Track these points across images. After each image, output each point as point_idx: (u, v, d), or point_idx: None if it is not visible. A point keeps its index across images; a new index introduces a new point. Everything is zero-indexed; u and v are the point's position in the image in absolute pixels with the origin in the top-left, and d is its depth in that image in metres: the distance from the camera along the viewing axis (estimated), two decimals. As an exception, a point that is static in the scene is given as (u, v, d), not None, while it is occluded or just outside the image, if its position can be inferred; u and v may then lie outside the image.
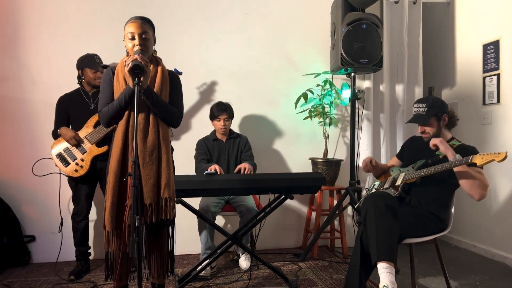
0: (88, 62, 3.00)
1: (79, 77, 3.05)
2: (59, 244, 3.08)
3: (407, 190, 2.46)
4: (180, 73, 3.22)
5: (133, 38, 2.03)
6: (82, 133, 2.92)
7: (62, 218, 3.03)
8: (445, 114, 2.45)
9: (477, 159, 2.05)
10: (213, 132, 3.31)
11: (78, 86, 3.08)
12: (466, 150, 2.32)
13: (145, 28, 2.05)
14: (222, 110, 3.19)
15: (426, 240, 2.31)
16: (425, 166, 2.40)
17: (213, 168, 2.87)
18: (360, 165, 2.85)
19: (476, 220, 3.65)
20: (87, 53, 3.07)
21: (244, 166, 2.98)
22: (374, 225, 2.16)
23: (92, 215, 3.21)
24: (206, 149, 3.24)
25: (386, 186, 2.56)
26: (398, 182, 2.46)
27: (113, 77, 2.09)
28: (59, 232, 3.02)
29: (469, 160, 2.07)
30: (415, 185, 2.43)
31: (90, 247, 3.14)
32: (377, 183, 2.71)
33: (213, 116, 3.24)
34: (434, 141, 2.32)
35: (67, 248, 3.14)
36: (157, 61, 2.15)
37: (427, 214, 2.32)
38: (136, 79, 1.89)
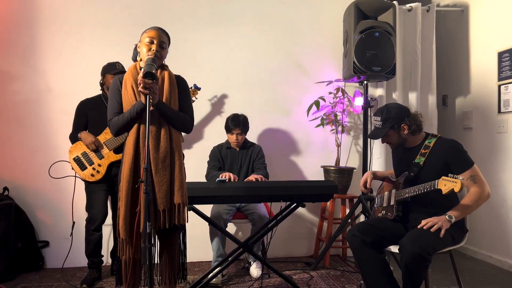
0: (109, 68, 3.06)
1: (101, 84, 3.10)
2: (72, 250, 3.10)
3: (407, 205, 2.35)
4: (199, 89, 3.30)
5: (151, 42, 2.07)
6: (101, 139, 2.94)
7: (74, 222, 3.02)
8: (403, 124, 2.34)
9: (441, 185, 2.03)
10: (228, 141, 3.33)
11: (100, 92, 3.11)
12: (444, 143, 2.29)
13: (164, 39, 2.11)
14: (235, 125, 3.19)
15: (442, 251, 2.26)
16: (407, 180, 2.33)
17: (225, 175, 2.88)
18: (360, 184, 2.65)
19: (492, 230, 3.58)
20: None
21: (254, 177, 2.95)
22: (361, 271, 2.29)
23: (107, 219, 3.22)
24: (219, 157, 3.26)
25: (384, 205, 2.46)
26: (392, 202, 2.39)
27: (121, 86, 2.13)
28: (70, 236, 3.03)
29: (435, 186, 2.06)
30: (416, 198, 2.29)
31: (102, 256, 3.10)
32: (378, 199, 2.60)
33: (227, 129, 3.25)
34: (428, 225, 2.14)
35: (79, 253, 3.17)
36: (163, 66, 2.17)
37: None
38: (148, 90, 1.92)
